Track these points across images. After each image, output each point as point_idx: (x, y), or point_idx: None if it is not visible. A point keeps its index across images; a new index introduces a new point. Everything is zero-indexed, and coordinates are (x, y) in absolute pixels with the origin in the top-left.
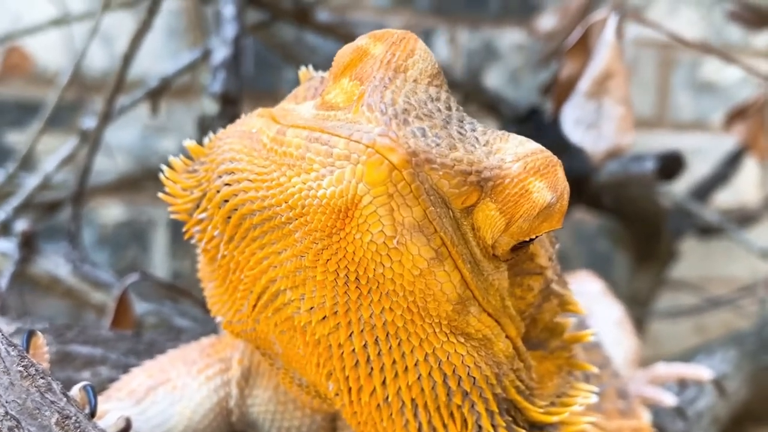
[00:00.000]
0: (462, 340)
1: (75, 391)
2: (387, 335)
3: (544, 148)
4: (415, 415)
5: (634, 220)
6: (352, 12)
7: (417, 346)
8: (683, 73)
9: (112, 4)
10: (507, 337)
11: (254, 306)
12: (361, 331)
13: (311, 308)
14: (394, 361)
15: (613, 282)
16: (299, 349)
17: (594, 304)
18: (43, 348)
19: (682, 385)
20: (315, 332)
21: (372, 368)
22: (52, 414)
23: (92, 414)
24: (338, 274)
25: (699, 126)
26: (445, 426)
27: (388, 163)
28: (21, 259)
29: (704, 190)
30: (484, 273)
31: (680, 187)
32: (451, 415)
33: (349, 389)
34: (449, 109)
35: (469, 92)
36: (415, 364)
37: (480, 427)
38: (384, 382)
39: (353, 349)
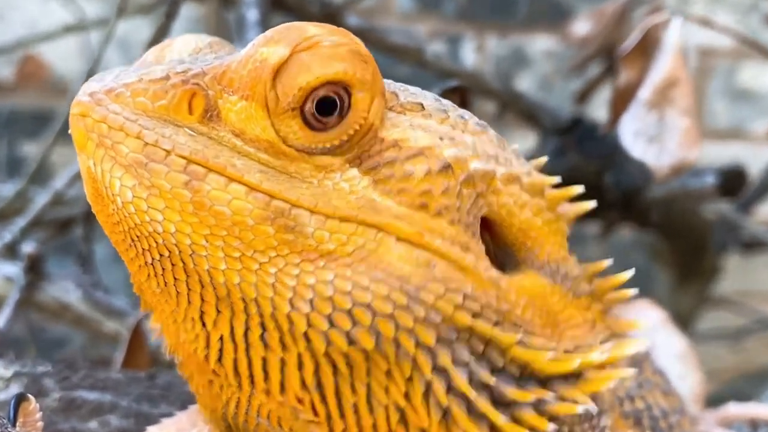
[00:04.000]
0: (322, 263)
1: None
2: (243, 301)
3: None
4: (353, 391)
5: (679, 235)
6: (378, 18)
7: (276, 296)
8: (719, 81)
9: (129, 10)
10: (401, 240)
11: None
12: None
13: (205, 347)
14: (277, 328)
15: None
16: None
17: (655, 335)
18: (35, 415)
19: (754, 426)
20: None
21: (281, 357)
22: None
23: None
24: (154, 266)
25: (736, 134)
26: (387, 390)
27: (77, 115)
28: (27, 285)
29: (746, 203)
30: (303, 176)
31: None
32: (387, 372)
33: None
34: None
35: (506, 101)
36: (289, 324)
37: (425, 379)
38: (300, 364)
39: (262, 343)
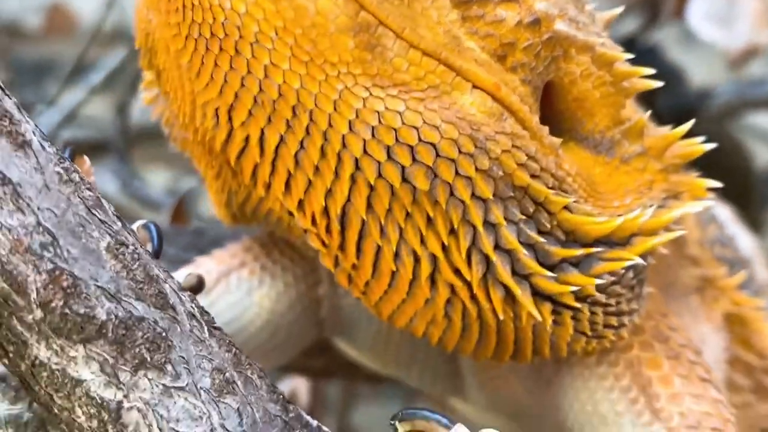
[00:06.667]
0: (394, 92)
1: (134, 228)
2: (293, 110)
3: None
4: (383, 233)
5: (722, 181)
6: None
7: (336, 113)
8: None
9: None
10: (477, 88)
11: None
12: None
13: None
14: (322, 148)
15: None
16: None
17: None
18: (90, 175)
19: None
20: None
21: (310, 179)
22: (102, 236)
23: (156, 255)
24: (197, 42)
25: None
26: (423, 240)
27: None
28: None
29: None
30: None
31: None
32: (429, 220)
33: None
34: None
35: None
36: (342, 146)
37: (474, 229)
38: (329, 191)
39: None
